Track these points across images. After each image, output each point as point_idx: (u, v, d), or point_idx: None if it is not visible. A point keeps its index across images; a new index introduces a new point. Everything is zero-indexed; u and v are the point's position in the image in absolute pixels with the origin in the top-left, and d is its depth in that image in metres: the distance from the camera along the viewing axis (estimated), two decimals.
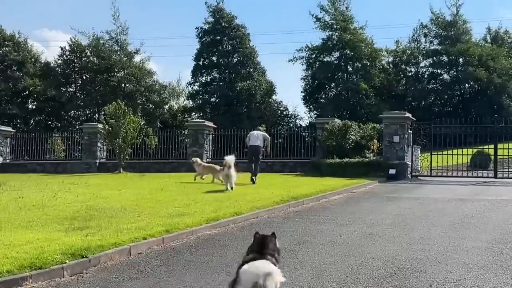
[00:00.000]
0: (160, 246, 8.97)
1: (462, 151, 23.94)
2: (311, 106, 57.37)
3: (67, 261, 7.38)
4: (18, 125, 49.29)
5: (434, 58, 57.43)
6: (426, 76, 58.95)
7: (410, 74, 59.44)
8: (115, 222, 10.24)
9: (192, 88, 56.14)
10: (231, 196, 14.11)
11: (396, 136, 22.61)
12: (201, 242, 9.32)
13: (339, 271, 7.31)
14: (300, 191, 15.39)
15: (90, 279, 7.14)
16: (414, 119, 24.33)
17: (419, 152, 25.26)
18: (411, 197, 15.91)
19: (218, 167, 18.73)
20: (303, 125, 53.33)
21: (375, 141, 24.87)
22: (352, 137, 24.01)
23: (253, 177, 18.83)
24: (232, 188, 16.03)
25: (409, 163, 22.97)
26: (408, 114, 23.39)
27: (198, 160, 21.59)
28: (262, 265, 4.82)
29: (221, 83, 54.10)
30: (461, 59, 56.12)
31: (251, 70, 54.17)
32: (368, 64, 55.28)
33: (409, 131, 23.40)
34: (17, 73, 53.11)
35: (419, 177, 23.01)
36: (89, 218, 10.80)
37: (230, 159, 16.46)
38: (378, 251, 8.51)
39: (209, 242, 9.37)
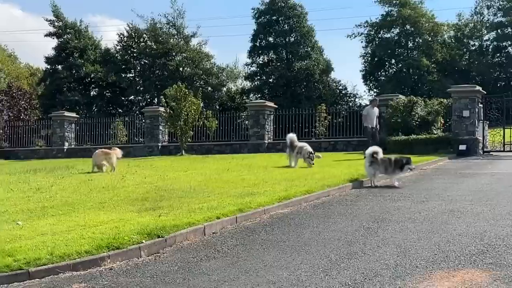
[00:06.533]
0: (233, 225, 8.77)
1: None
2: (370, 84, 56.37)
3: (143, 241, 7.28)
4: (81, 111, 50.22)
5: (499, 30, 55.31)
6: (490, 49, 56.79)
7: (473, 48, 57.41)
8: (186, 202, 10.12)
9: (250, 69, 56.01)
10: (300, 175, 13.80)
11: (466, 110, 21.68)
12: (275, 221, 9.07)
13: (425, 248, 6.92)
14: None
15: (168, 258, 7.00)
16: (485, 93, 23.30)
17: (486, 127, 24.25)
18: (487, 173, 15.21)
19: None
20: (363, 103, 52.44)
21: (440, 117, 24.05)
22: (418, 113, 23.23)
23: None
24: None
25: (480, 138, 22.06)
26: (478, 88, 22.41)
27: None
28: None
29: (278, 64, 53.64)
30: None
31: (309, 49, 53.41)
32: (430, 39, 53.72)
33: (480, 105, 22.43)
34: (79, 60, 54.03)
35: (491, 153, 22.08)
36: (160, 198, 10.72)
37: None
38: (464, 227, 8.05)
39: (283, 221, 9.11)
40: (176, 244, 7.62)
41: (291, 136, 17.85)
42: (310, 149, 16.90)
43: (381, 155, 13.02)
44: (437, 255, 6.59)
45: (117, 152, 17.49)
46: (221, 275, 6.19)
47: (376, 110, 21.01)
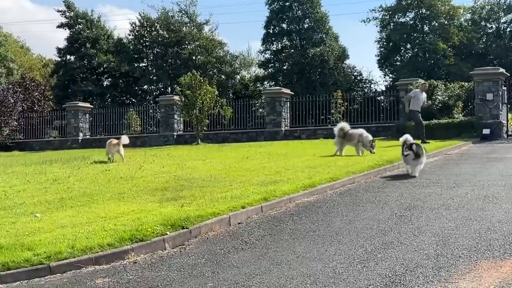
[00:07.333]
0: (259, 215, 8.44)
1: None
2: (386, 70, 55.39)
3: (167, 232, 6.98)
4: (94, 102, 49.89)
5: None
6: (508, 32, 55.68)
7: (490, 30, 56.23)
8: (208, 191, 9.78)
9: (263, 56, 55.34)
10: (322, 162, 13.41)
11: (490, 93, 21.08)
12: (301, 210, 8.72)
13: (465, 237, 6.54)
14: (393, 154, 14.45)
15: (194, 251, 6.68)
16: (508, 75, 22.66)
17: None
18: None
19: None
20: (379, 89, 51.72)
21: (461, 101, 23.51)
22: (438, 97, 22.68)
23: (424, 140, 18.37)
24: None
25: (504, 121, 21.50)
26: (501, 70, 21.79)
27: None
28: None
29: (292, 50, 52.92)
30: None
31: (323, 35, 52.65)
32: (446, 22, 52.67)
33: (503, 88, 21.84)
34: (91, 50, 53.75)
35: None
36: (180, 188, 10.39)
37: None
38: (502, 214, 7.65)
39: (310, 209, 8.75)
40: (201, 235, 7.31)
41: (343, 125, 16.07)
42: (370, 137, 15.72)
43: (408, 142, 12.54)
44: (479, 244, 6.22)
45: (122, 140, 16.92)
46: (251, 268, 5.86)
47: (424, 95, 20.09)
